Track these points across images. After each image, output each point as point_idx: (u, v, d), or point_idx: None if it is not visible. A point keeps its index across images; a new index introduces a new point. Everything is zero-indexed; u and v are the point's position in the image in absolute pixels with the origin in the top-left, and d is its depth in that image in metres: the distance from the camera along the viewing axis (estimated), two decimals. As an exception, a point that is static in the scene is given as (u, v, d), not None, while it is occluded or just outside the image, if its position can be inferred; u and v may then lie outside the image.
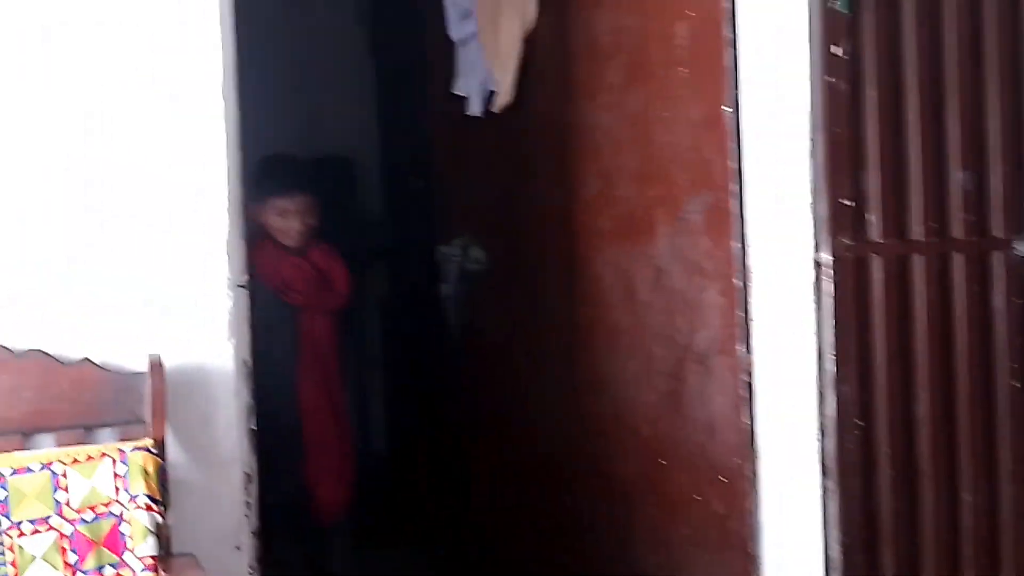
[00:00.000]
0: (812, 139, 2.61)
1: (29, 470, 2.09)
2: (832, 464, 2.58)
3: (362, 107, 5.60)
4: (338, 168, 5.43)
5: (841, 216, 2.62)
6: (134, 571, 2.05)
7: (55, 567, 2.04)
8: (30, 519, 2.05)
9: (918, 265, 2.66)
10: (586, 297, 3.27)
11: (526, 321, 3.51)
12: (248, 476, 2.43)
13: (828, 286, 2.60)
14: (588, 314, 3.25)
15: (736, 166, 2.70)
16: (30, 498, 2.06)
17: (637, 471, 3.11)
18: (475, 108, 3.59)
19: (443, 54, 3.78)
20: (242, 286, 2.44)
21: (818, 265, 2.61)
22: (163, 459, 2.20)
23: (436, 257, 3.95)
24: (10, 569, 2.02)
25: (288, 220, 3.65)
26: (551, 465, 3.38)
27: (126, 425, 2.24)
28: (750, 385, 2.69)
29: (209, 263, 2.39)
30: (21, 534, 2.05)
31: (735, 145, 2.70)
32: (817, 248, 2.61)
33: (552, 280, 3.40)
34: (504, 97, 3.42)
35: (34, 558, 2.04)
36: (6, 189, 2.31)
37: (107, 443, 2.19)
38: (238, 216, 2.46)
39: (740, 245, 2.69)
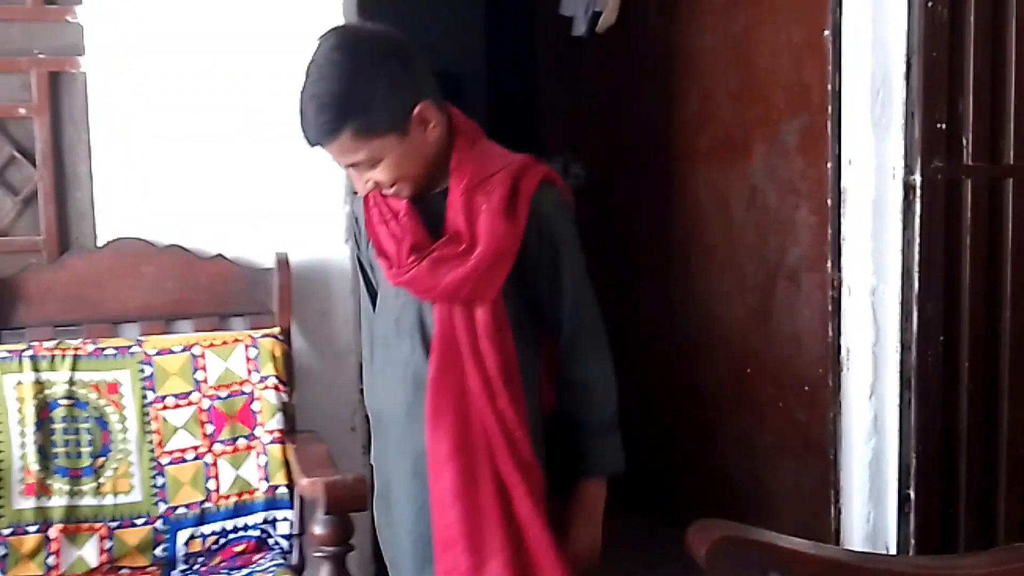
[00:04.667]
0: (909, 63, 2.67)
1: (172, 351, 2.31)
2: (913, 377, 2.69)
3: (469, 26, 5.72)
4: (446, 85, 5.57)
5: (935, 139, 2.69)
6: (263, 443, 2.28)
7: (195, 436, 2.27)
8: (173, 394, 2.29)
9: (1009, 189, 2.73)
10: (681, 215, 3.39)
11: (621, 236, 3.64)
12: (361, 366, 2.63)
13: (919, 207, 2.68)
14: (683, 231, 3.38)
15: (834, 89, 2.78)
16: (173, 376, 2.29)
17: (725, 381, 3.26)
18: (580, 29, 3.69)
19: (549, -25, 3.89)
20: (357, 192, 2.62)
21: (910, 187, 2.68)
22: (288, 346, 2.41)
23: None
24: (155, 437, 2.26)
25: None
26: (642, 376, 3.53)
27: (256, 315, 2.45)
28: (837, 301, 2.80)
29: (329, 172, 2.57)
30: (165, 407, 2.28)
31: (833, 68, 2.78)
32: (909, 170, 2.69)
33: (648, 197, 3.52)
34: (609, 18, 3.52)
35: (176, 428, 2.27)
36: (160, 111, 2.52)
37: (240, 330, 2.41)
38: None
39: (834, 166, 2.78)
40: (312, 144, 1.69)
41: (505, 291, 1.71)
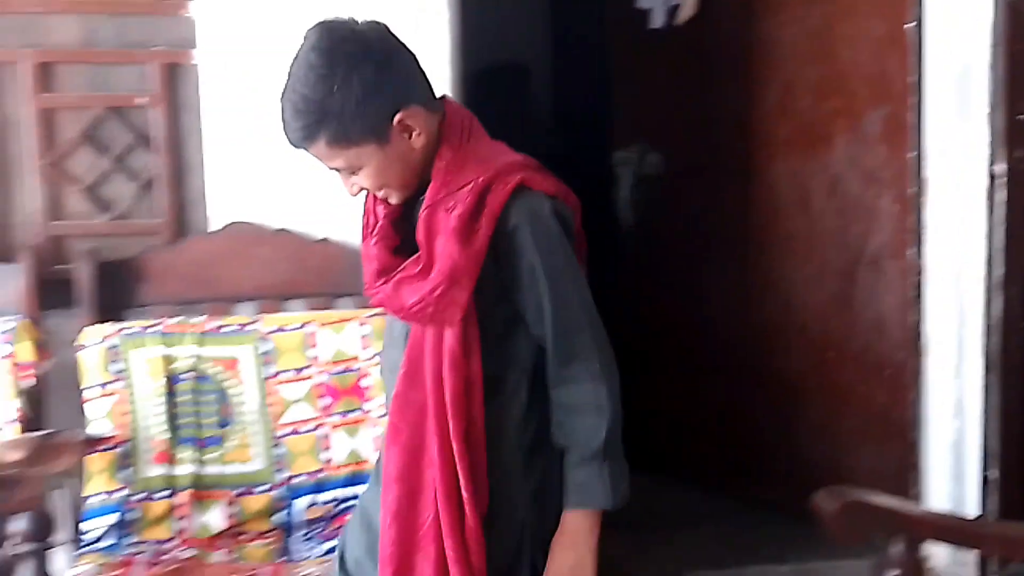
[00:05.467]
0: (993, 55, 2.73)
1: (287, 329, 2.43)
2: (996, 360, 2.75)
3: (535, 17, 5.81)
4: (513, 75, 5.66)
5: (1017, 130, 2.75)
6: (373, 417, 2.39)
7: (311, 409, 2.39)
8: (289, 369, 2.41)
9: (1090, 179, 2.78)
10: (760, 204, 3.47)
11: (698, 225, 3.72)
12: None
13: (1001, 195, 2.74)
14: (762, 220, 3.46)
15: (916, 80, 2.85)
16: (288, 352, 2.41)
17: (804, 367, 3.34)
18: (658, 21, 3.78)
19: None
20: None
21: (992, 176, 2.75)
22: (396, 326, 2.52)
23: (611, 162, 4.17)
24: (273, 410, 2.39)
25: None
26: (721, 362, 3.61)
27: (363, 296, 2.56)
28: (919, 287, 2.87)
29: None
30: (281, 382, 2.40)
31: (916, 60, 2.85)
32: (992, 159, 2.75)
33: (727, 187, 3.60)
34: (688, 11, 3.61)
35: (293, 402, 2.39)
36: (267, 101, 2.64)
37: (349, 310, 2.52)
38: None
39: (916, 155, 2.85)
40: (293, 146, 1.63)
41: (483, 310, 1.60)
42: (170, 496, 2.31)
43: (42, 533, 1.83)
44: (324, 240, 2.61)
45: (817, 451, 3.29)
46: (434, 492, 1.59)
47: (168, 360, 2.36)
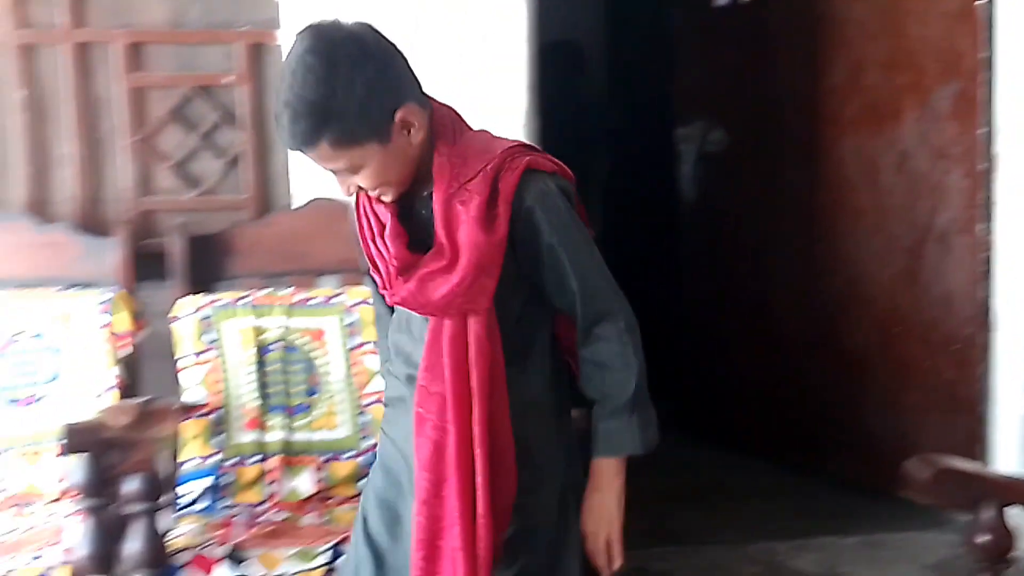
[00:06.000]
0: (1066, 31, 2.75)
1: (371, 301, 2.50)
2: (1066, 334, 2.78)
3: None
4: (567, 54, 5.69)
5: (1089, 106, 2.77)
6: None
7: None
8: (372, 341, 2.48)
9: None
10: (827, 180, 3.50)
11: (763, 201, 3.76)
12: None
13: (1072, 171, 2.76)
14: (828, 196, 3.49)
15: (987, 56, 2.86)
16: (372, 324, 2.47)
17: (871, 342, 3.37)
18: (722, -1, 3.81)
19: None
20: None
21: (1064, 151, 2.77)
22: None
23: (672, 139, 4.21)
24: (358, 379, 2.46)
25: None
26: (787, 337, 3.65)
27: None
28: (988, 262, 2.90)
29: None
30: (365, 352, 2.48)
31: (987, 35, 2.86)
32: (1063, 136, 2.77)
33: (792, 163, 3.63)
34: (754, -12, 3.64)
35: (375, 373, 2.46)
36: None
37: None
38: (534, 97, 2.79)
39: (987, 131, 2.87)
40: (292, 149, 1.63)
41: (501, 293, 1.62)
42: (261, 461, 2.39)
43: (153, 494, 1.91)
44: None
45: (883, 424, 3.32)
46: (460, 482, 1.63)
47: (258, 331, 2.44)
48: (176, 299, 2.47)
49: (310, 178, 2.72)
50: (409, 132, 1.59)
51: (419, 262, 1.63)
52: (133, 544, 1.91)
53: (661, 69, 4.68)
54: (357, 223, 1.72)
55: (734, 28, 3.83)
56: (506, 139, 1.69)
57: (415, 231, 1.65)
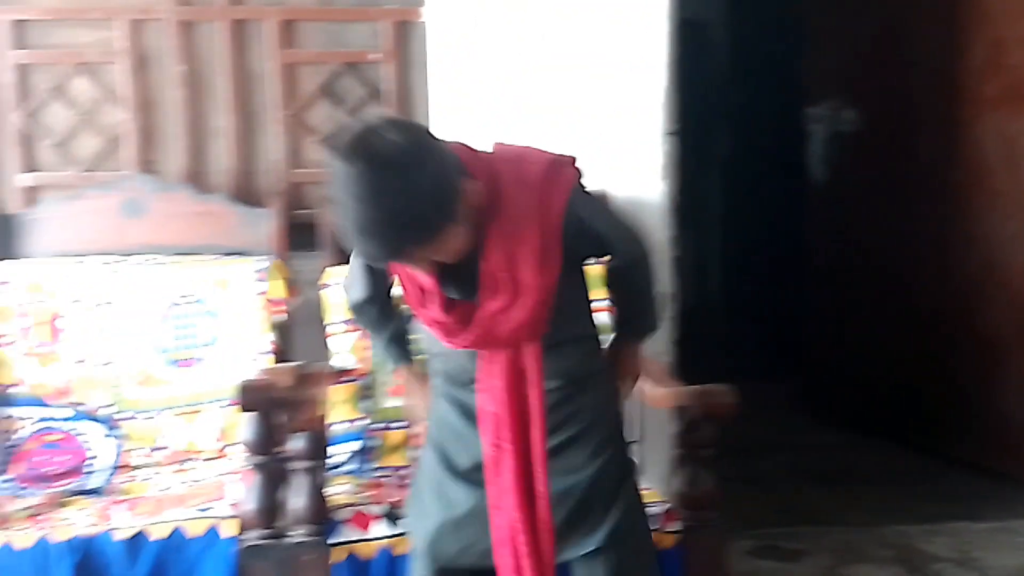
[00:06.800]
0: None
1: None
2: None
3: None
4: (691, 33, 5.66)
5: None
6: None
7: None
8: (515, 313, 2.54)
9: None
10: (964, 161, 3.44)
11: (896, 182, 3.71)
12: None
13: None
14: (965, 177, 3.44)
15: None
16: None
17: (1005, 325, 3.32)
18: (859, -24, 3.76)
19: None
20: (673, 133, 2.81)
21: None
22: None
23: (802, 118, 4.18)
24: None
25: None
26: (918, 319, 3.62)
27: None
28: None
29: (648, 114, 2.77)
30: (507, 324, 2.54)
31: None
32: None
33: (927, 143, 3.58)
34: (892, -34, 3.58)
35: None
36: (487, 56, 2.77)
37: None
38: (674, 73, 2.81)
39: None
40: (378, 263, 1.78)
41: (560, 290, 1.78)
42: (406, 427, 2.47)
43: (317, 452, 2.00)
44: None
45: (1016, 409, 3.28)
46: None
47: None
48: (326, 268, 2.56)
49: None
50: (470, 202, 1.68)
51: (469, 311, 1.76)
52: (297, 499, 2.01)
53: (786, 48, 4.65)
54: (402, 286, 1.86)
55: (870, 6, 3.78)
56: (507, 151, 1.81)
57: (450, 273, 1.77)
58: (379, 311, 2.04)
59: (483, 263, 1.73)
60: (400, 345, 2.10)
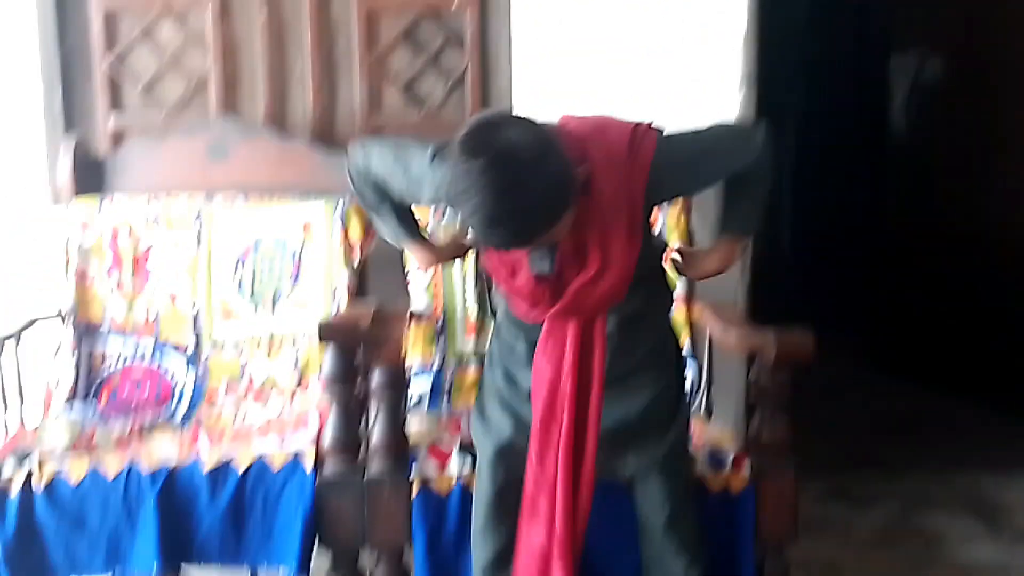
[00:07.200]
0: None
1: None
2: None
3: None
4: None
5: None
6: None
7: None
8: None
9: None
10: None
11: (982, 134, 3.63)
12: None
13: None
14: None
15: None
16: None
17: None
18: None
19: None
20: (749, 83, 2.79)
21: None
22: (687, 219, 2.62)
23: (884, 68, 4.11)
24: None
25: None
26: (998, 273, 3.55)
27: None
28: None
29: (725, 63, 2.75)
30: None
31: None
32: None
33: (1016, 96, 3.49)
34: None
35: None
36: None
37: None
38: (755, 21, 2.78)
39: None
40: (503, 250, 1.81)
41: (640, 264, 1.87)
42: (480, 366, 2.51)
43: (398, 386, 2.04)
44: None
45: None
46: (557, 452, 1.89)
47: (472, 247, 2.55)
48: (404, 211, 2.60)
49: (532, 99, 2.80)
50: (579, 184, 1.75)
51: (560, 285, 1.84)
52: (376, 433, 2.06)
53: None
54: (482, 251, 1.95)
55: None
56: (586, 122, 1.86)
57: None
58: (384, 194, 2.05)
59: (575, 238, 1.81)
60: (408, 222, 2.09)
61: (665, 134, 1.88)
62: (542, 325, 1.92)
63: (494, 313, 2.16)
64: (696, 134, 1.93)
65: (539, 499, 1.89)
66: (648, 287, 1.97)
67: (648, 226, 1.95)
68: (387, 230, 2.10)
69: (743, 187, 1.96)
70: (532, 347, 1.95)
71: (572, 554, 1.88)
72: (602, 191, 1.79)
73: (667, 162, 1.84)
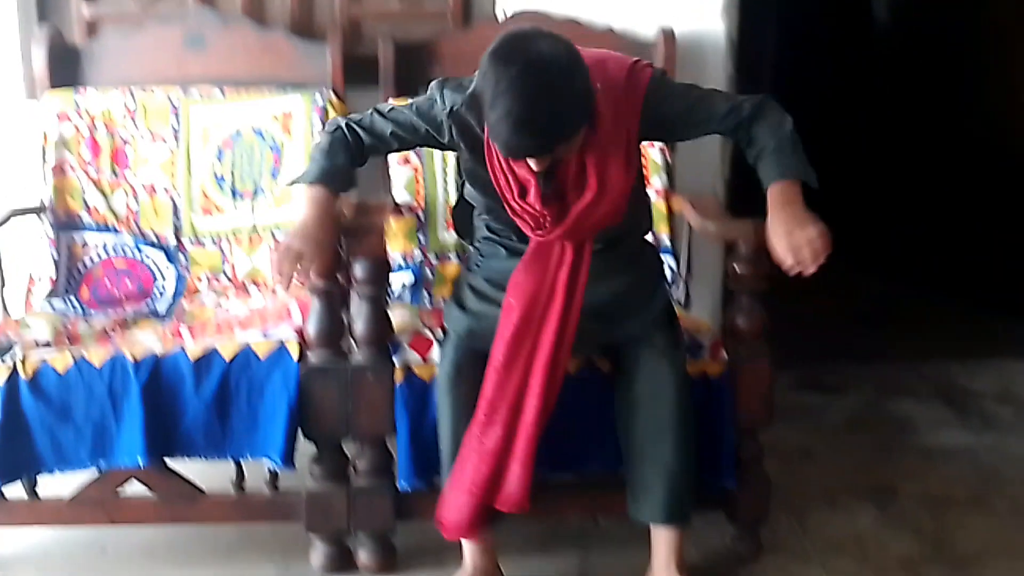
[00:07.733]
0: None
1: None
2: None
3: None
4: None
5: None
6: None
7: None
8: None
9: None
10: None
11: (963, 26, 3.59)
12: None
13: None
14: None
15: None
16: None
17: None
18: None
19: None
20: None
21: None
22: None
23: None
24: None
25: None
26: (969, 170, 3.56)
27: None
28: None
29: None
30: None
31: None
32: None
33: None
34: None
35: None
36: None
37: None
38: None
39: None
40: (518, 158, 1.82)
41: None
42: (460, 259, 2.53)
43: (380, 277, 2.06)
44: (610, 30, 2.70)
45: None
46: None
47: (461, 136, 2.54)
48: (384, 102, 2.57)
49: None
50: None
51: (564, 207, 1.90)
52: (359, 322, 2.08)
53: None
54: (491, 171, 1.93)
55: None
56: (591, 55, 1.86)
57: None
58: (353, 146, 2.06)
59: (578, 162, 1.89)
60: (340, 174, 2.05)
61: (661, 73, 1.97)
62: (526, 245, 1.99)
63: (470, 241, 2.19)
64: (693, 84, 2.02)
65: (499, 405, 1.94)
66: (632, 212, 2.02)
67: (640, 157, 2.02)
68: (315, 168, 2.04)
69: (762, 141, 1.94)
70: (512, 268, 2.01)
71: (532, 458, 1.94)
72: (602, 118, 1.86)
73: (662, 95, 1.93)
